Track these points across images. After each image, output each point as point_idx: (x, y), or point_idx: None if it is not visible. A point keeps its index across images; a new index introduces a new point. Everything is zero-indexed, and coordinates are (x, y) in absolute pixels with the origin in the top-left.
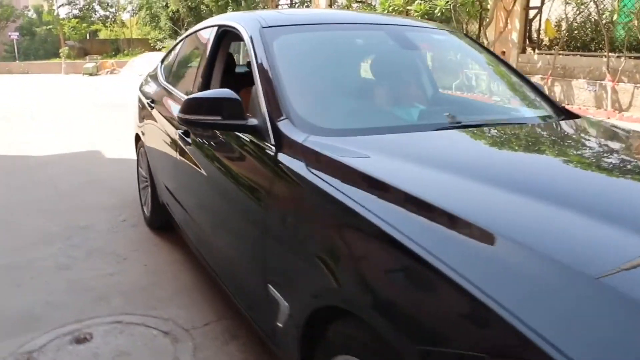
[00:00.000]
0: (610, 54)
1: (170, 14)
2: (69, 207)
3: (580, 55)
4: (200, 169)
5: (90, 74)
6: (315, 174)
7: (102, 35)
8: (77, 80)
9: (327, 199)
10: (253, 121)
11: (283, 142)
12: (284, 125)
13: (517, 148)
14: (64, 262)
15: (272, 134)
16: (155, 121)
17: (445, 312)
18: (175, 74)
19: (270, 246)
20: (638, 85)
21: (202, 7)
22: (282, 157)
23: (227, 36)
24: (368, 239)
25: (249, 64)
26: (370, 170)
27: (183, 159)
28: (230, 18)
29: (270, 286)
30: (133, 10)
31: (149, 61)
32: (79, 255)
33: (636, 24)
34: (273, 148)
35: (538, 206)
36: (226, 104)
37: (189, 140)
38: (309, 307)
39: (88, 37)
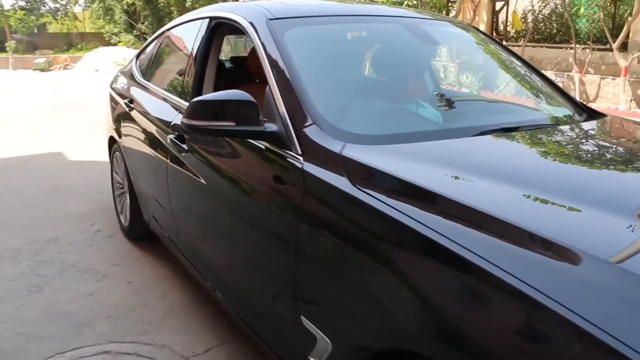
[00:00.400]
0: (576, 45)
1: (125, 6)
2: (35, 217)
3: (547, 47)
4: (199, 178)
5: (42, 70)
6: (367, 193)
7: (53, 29)
8: (28, 76)
9: (388, 224)
10: (271, 127)
11: (312, 152)
12: (312, 132)
13: (572, 155)
14: (35, 283)
15: (298, 142)
16: (136, 124)
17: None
18: (157, 71)
19: (305, 273)
20: (604, 76)
21: None
22: (313, 169)
23: (220, 29)
24: (447, 270)
25: (232, 59)
26: (438, 189)
27: (177, 167)
28: (225, 9)
29: (305, 318)
30: (85, 3)
31: (105, 56)
32: (52, 273)
33: (602, 17)
34: (300, 158)
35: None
36: (240, 107)
37: (184, 146)
38: (364, 351)
39: (37, 31)
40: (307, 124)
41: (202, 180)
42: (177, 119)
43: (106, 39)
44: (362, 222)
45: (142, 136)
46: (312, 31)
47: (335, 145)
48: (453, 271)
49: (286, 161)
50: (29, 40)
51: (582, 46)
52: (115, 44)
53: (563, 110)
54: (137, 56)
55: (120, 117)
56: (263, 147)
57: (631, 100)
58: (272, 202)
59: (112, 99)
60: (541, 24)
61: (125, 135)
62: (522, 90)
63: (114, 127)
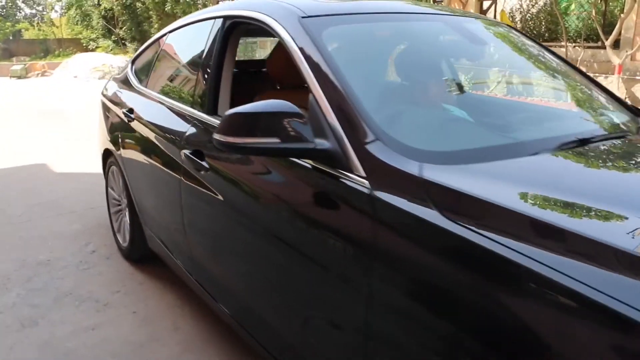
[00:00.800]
0: (567, 44)
1: (103, 12)
2: (22, 237)
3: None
4: (223, 200)
5: (19, 77)
6: (466, 227)
7: (29, 35)
8: (5, 83)
9: (497, 264)
10: (323, 144)
11: (381, 174)
12: (377, 151)
13: None
14: (29, 315)
15: (360, 163)
16: (139, 135)
17: None
18: (160, 78)
19: (383, 322)
20: (596, 74)
21: (138, 4)
22: (386, 196)
23: (236, 30)
24: (587, 325)
25: (236, 63)
26: (562, 223)
27: (193, 185)
28: (242, 7)
29: None
30: (62, 8)
31: (83, 62)
32: (46, 302)
33: (594, 14)
34: (364, 181)
35: None
36: (286, 121)
37: (204, 163)
38: None
39: (12, 38)
40: (369, 140)
41: (227, 202)
42: (190, 131)
43: (84, 44)
44: (462, 264)
45: (146, 149)
46: (351, 30)
47: (410, 167)
48: (600, 328)
49: (342, 184)
50: (5, 47)
51: (573, 44)
52: (93, 50)
53: (619, 115)
54: (133, 61)
55: (118, 128)
56: (309, 166)
57: (625, 97)
58: (322, 231)
59: (106, 108)
60: (530, 22)
61: (125, 148)
62: (573, 95)
63: (110, 138)
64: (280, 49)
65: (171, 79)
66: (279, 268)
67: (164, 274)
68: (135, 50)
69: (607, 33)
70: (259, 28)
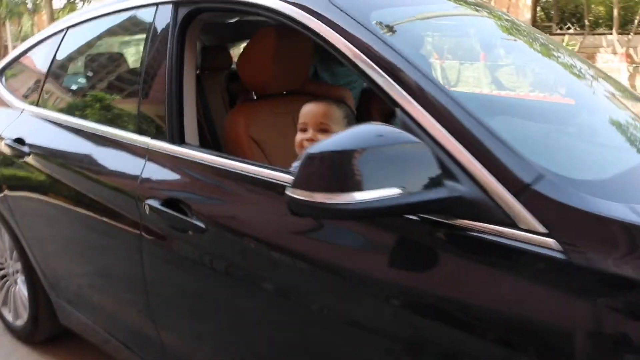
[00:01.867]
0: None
1: None
2: None
3: None
4: (244, 277)
5: None
6: None
7: None
8: None
9: None
10: (457, 189)
11: (575, 229)
12: (556, 193)
13: None
14: None
15: (531, 213)
16: (44, 178)
17: None
18: (66, 94)
19: None
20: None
21: None
22: (604, 265)
23: (196, 22)
24: None
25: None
26: None
27: (173, 252)
28: None
29: None
30: None
31: None
32: None
33: None
34: (548, 242)
35: None
36: (406, 158)
37: (194, 221)
38: None
39: None
40: (531, 179)
41: (249, 278)
42: (148, 171)
43: None
44: None
45: (59, 196)
46: (401, 15)
47: (621, 211)
48: None
49: (497, 245)
50: None
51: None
52: None
53: None
54: (3, 70)
55: None
56: (416, 218)
57: None
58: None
59: None
60: None
61: (13, 193)
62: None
63: None
64: (256, 49)
65: (91, 96)
66: None
67: (86, 355)
68: None
69: None
70: (235, 18)
